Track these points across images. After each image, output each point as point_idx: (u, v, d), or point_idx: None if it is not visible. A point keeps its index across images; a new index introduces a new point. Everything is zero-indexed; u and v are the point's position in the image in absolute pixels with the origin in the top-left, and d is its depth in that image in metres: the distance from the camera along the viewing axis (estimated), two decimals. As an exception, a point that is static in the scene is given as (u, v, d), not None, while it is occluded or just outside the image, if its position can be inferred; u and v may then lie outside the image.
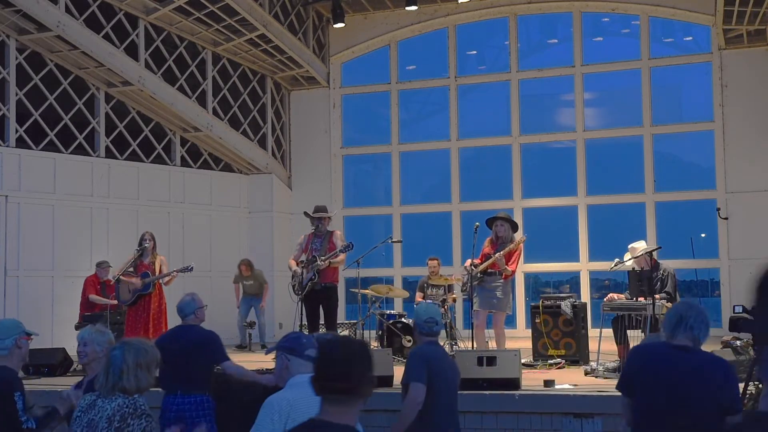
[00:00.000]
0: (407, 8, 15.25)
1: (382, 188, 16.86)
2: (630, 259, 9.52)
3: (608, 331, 9.42)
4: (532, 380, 8.47)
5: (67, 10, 13.02)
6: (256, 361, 9.82)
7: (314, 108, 16.81)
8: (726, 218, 14.43)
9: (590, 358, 10.07)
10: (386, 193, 16.63)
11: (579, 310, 10.48)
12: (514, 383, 7.99)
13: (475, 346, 9.91)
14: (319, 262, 9.52)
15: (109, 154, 14.21)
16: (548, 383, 8.16)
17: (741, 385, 5.19)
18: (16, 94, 13.06)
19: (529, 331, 11.13)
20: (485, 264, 9.88)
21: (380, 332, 11.19)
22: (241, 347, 13.64)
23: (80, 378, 5.40)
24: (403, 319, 11.02)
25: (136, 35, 14.24)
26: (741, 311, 5.01)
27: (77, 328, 11.05)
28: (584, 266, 15.32)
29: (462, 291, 10.43)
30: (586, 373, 9.23)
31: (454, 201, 16.06)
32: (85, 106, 13.92)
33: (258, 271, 14.15)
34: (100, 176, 13.92)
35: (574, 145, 15.56)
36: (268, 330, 14.92)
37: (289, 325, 12.08)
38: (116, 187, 14.13)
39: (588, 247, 15.31)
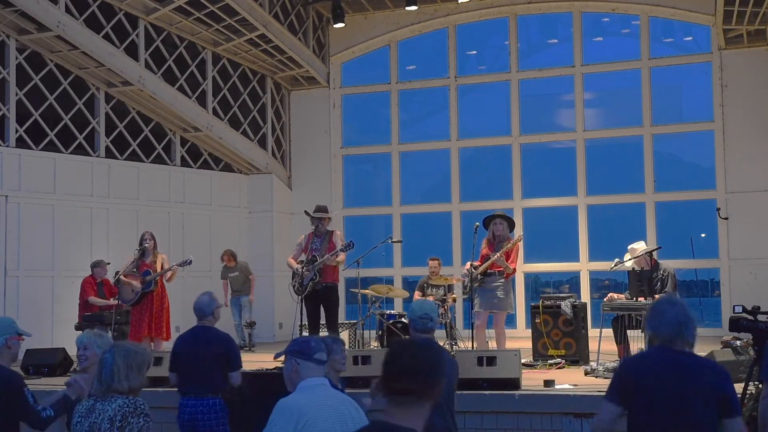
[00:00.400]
0: (407, 8, 15.25)
1: (382, 188, 16.86)
2: (630, 260, 9.52)
3: (608, 331, 9.43)
4: (532, 380, 8.47)
5: (67, 10, 13.02)
6: (257, 361, 9.82)
7: (314, 108, 16.81)
8: (726, 218, 14.44)
9: (590, 358, 10.07)
10: (386, 193, 16.63)
11: (579, 310, 10.47)
12: (514, 383, 7.99)
13: (475, 346, 9.90)
14: (319, 261, 9.52)
15: (109, 154, 14.21)
16: (548, 383, 8.15)
17: (741, 386, 5.19)
18: (16, 94, 13.06)
19: (529, 331, 11.13)
20: (485, 265, 9.88)
21: (380, 332, 11.19)
22: (241, 348, 13.62)
23: None
24: (403, 319, 11.01)
25: (136, 35, 14.24)
26: (741, 311, 5.00)
27: (77, 328, 11.05)
28: (584, 266, 15.32)
29: (464, 294, 10.40)
30: (586, 373, 9.22)
31: (454, 201, 16.07)
32: (85, 106, 13.92)
33: (243, 262, 14.00)
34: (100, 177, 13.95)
35: (574, 145, 15.56)
36: (267, 330, 14.93)
37: (289, 325, 12.07)
38: (116, 187, 14.13)
39: (588, 247, 15.31)
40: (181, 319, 12.37)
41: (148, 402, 4.16)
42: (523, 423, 7.72)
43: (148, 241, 10.66)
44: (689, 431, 3.90)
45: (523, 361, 8.84)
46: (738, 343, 8.52)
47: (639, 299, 9.08)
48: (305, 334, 9.25)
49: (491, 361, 8.06)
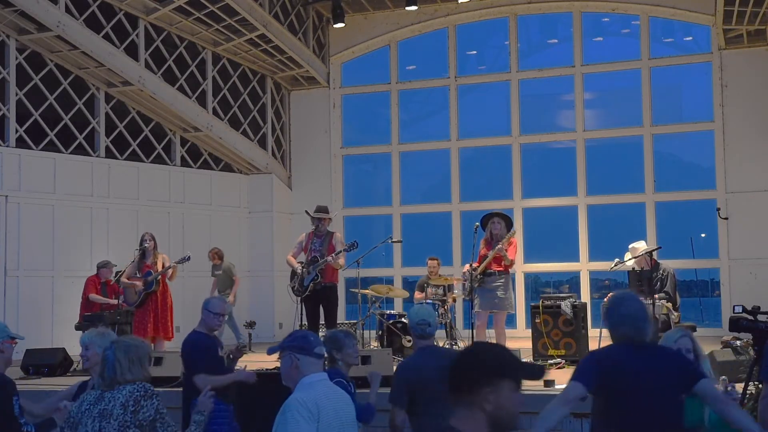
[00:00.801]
0: (407, 8, 15.25)
1: (382, 188, 16.86)
2: (630, 259, 9.52)
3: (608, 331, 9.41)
4: (532, 380, 8.45)
5: (67, 10, 13.02)
6: (257, 361, 9.82)
7: (314, 108, 16.81)
8: (726, 218, 14.43)
9: (590, 358, 10.04)
10: (386, 193, 16.63)
11: (579, 310, 10.47)
12: (514, 383, 7.97)
13: (475, 346, 9.87)
14: (321, 261, 9.51)
15: (109, 154, 14.21)
16: (548, 383, 8.15)
17: (741, 386, 5.19)
18: (16, 94, 13.06)
19: (529, 331, 11.12)
20: (485, 262, 9.87)
21: (380, 332, 11.18)
22: (241, 347, 13.59)
23: (86, 379, 5.39)
24: (403, 319, 11.01)
25: (136, 35, 14.24)
26: (741, 311, 4.99)
27: (77, 328, 11.05)
28: (584, 266, 15.32)
29: (466, 296, 10.36)
30: (586, 373, 9.20)
31: (454, 201, 16.06)
32: (85, 106, 13.92)
33: (228, 263, 13.64)
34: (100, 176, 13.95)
35: (574, 145, 15.56)
36: (267, 330, 14.92)
37: (289, 325, 12.08)
38: (116, 187, 14.13)
39: (588, 247, 15.30)
40: (182, 319, 12.39)
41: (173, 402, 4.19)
42: (523, 423, 7.66)
43: (147, 242, 10.67)
44: (664, 421, 3.98)
45: (523, 361, 8.83)
46: (738, 343, 8.53)
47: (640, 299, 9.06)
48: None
49: (491, 361, 8.04)
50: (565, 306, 10.43)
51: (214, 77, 15.61)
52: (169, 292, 10.69)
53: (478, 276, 9.90)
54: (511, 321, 13.83)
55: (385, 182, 16.73)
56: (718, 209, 14.50)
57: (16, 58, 13.07)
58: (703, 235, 15.29)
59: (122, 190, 14.21)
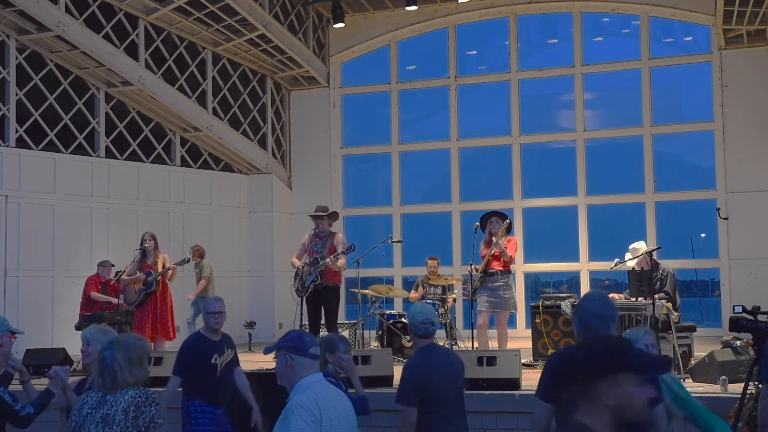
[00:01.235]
0: (407, 8, 15.25)
1: (382, 188, 16.86)
2: (631, 259, 9.52)
3: (608, 331, 9.40)
4: (532, 380, 8.45)
5: (67, 10, 13.02)
6: (257, 361, 9.82)
7: (314, 108, 16.81)
8: (726, 218, 14.44)
9: (590, 358, 10.03)
10: (386, 193, 16.63)
11: (579, 310, 10.45)
12: (514, 383, 7.99)
13: (476, 346, 9.90)
14: (321, 263, 9.51)
15: (109, 154, 14.21)
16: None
17: (740, 386, 5.19)
18: (16, 94, 13.06)
19: (529, 331, 11.13)
20: (487, 257, 9.86)
21: (380, 332, 11.19)
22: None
23: (82, 377, 5.41)
24: (403, 319, 11.02)
25: (136, 35, 14.24)
26: (741, 311, 4.99)
27: (77, 328, 11.06)
28: (584, 266, 15.32)
29: (470, 298, 10.34)
30: (586, 373, 9.19)
31: (454, 201, 16.06)
32: (85, 106, 13.92)
33: (205, 263, 12.93)
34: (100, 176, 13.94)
35: (574, 145, 15.56)
36: (267, 330, 14.91)
37: (289, 325, 12.07)
38: (116, 187, 14.13)
39: (588, 247, 15.31)
40: (182, 320, 12.39)
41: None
42: (523, 423, 7.72)
43: (148, 242, 10.68)
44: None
45: (523, 361, 8.84)
46: (738, 343, 8.52)
47: (639, 299, 9.07)
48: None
49: (491, 361, 8.07)
50: (565, 306, 10.43)
51: (214, 77, 15.61)
52: (169, 292, 10.69)
53: (480, 275, 9.90)
54: (511, 321, 13.76)
55: (385, 182, 16.74)
56: (718, 209, 14.51)
57: (16, 58, 13.07)
58: (703, 235, 15.29)
59: (122, 190, 14.21)
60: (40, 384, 9.24)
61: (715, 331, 13.31)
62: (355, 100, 17.00)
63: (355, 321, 11.42)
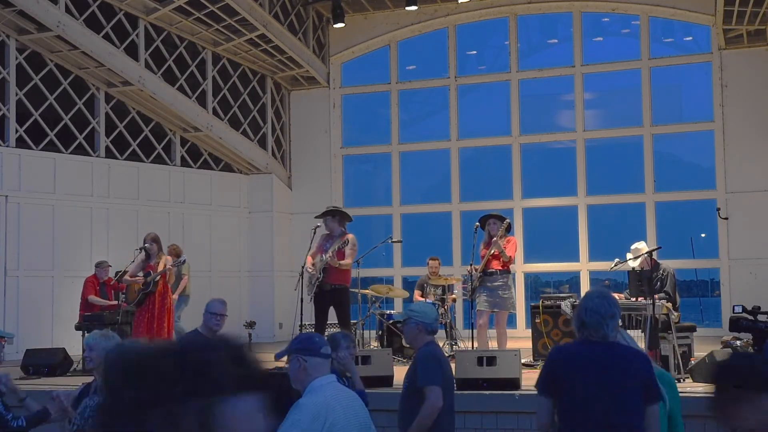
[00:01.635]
0: (407, 8, 15.25)
1: (382, 188, 16.86)
2: (633, 259, 9.51)
3: (608, 331, 9.39)
4: (532, 380, 8.44)
5: (67, 10, 13.02)
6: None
7: (314, 108, 16.81)
8: (726, 218, 14.43)
9: (590, 358, 10.04)
10: (386, 193, 16.62)
11: (579, 310, 10.45)
12: (514, 383, 7.99)
13: (476, 345, 9.90)
14: (322, 261, 9.50)
15: (109, 154, 14.21)
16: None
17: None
18: (16, 94, 13.06)
19: (529, 331, 11.12)
20: (486, 257, 9.86)
21: (380, 332, 11.19)
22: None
23: (89, 380, 5.39)
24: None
25: (136, 35, 14.24)
26: (741, 311, 5.00)
27: (77, 328, 11.06)
28: (584, 266, 15.32)
29: (469, 297, 10.34)
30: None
31: (454, 201, 16.06)
32: (85, 106, 13.92)
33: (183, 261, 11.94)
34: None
35: (574, 145, 15.56)
36: (268, 330, 14.91)
37: (289, 325, 12.08)
38: (116, 187, 14.13)
39: (588, 247, 15.30)
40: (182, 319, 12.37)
41: None
42: (523, 423, 7.72)
43: (148, 243, 10.65)
44: (619, 420, 4.02)
45: (523, 361, 8.83)
46: (738, 343, 8.52)
47: (639, 299, 9.07)
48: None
49: (491, 361, 8.07)
50: (565, 306, 10.42)
51: (214, 77, 15.61)
52: (169, 293, 10.64)
53: (479, 275, 9.90)
54: (511, 321, 13.79)
55: (385, 182, 16.73)
56: (718, 209, 14.50)
57: (16, 58, 13.07)
58: (703, 235, 15.29)
59: (122, 190, 14.21)
60: (40, 384, 9.24)
61: (715, 331, 13.31)
62: (355, 100, 17.00)
63: (355, 321, 11.41)
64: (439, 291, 11.82)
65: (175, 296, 12.46)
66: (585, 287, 15.11)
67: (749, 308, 4.93)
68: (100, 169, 13.98)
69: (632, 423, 4.03)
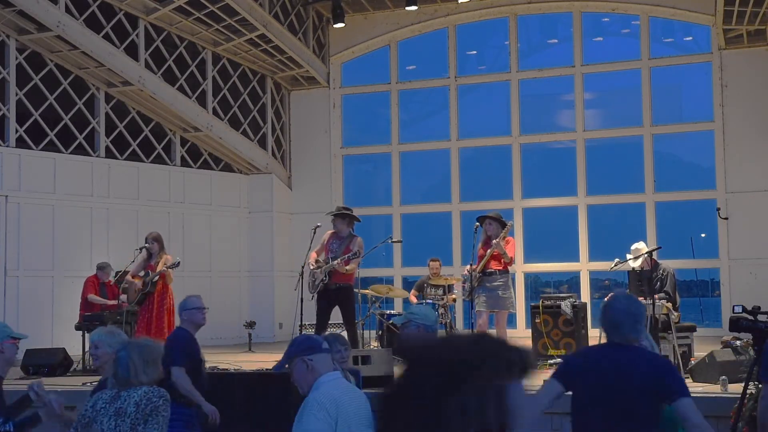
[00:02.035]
0: (407, 8, 15.24)
1: (382, 188, 16.85)
2: (633, 259, 9.52)
3: (608, 331, 9.40)
4: (531, 380, 8.45)
5: (67, 10, 13.02)
6: (257, 361, 9.82)
7: (314, 108, 16.80)
8: (726, 218, 14.43)
9: (590, 358, 10.04)
10: (386, 193, 16.62)
11: (579, 310, 10.47)
12: (514, 383, 7.97)
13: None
14: (328, 265, 9.52)
15: (109, 154, 14.21)
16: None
17: (740, 386, 5.19)
18: (16, 94, 13.06)
19: (529, 331, 11.13)
20: (486, 257, 9.86)
21: (380, 332, 11.19)
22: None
23: (97, 383, 5.37)
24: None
25: (136, 35, 14.24)
26: (741, 311, 5.00)
27: (77, 328, 11.07)
28: (584, 266, 15.32)
29: (467, 297, 10.34)
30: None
31: (454, 201, 16.06)
32: (85, 106, 13.92)
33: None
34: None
35: (574, 145, 15.56)
36: (267, 330, 14.90)
37: (289, 325, 12.08)
38: (116, 187, 14.13)
39: (588, 247, 15.30)
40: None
41: None
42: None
43: (150, 243, 10.65)
44: (630, 426, 4.01)
45: None
46: (738, 343, 8.52)
47: (639, 299, 9.07)
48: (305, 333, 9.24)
49: (491, 361, 8.04)
50: (565, 306, 10.44)
51: (214, 77, 15.61)
52: (169, 293, 10.62)
53: (478, 275, 9.90)
54: (511, 321, 13.78)
55: (385, 182, 16.73)
56: (718, 209, 14.50)
57: (16, 58, 13.07)
58: (703, 235, 15.29)
59: (122, 190, 14.21)
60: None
61: (715, 331, 13.31)
62: (355, 100, 17.00)
63: (355, 321, 11.41)
64: (440, 292, 11.83)
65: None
66: (585, 287, 15.12)
67: (749, 308, 4.93)
68: (100, 169, 13.98)
69: (631, 428, 4.02)
